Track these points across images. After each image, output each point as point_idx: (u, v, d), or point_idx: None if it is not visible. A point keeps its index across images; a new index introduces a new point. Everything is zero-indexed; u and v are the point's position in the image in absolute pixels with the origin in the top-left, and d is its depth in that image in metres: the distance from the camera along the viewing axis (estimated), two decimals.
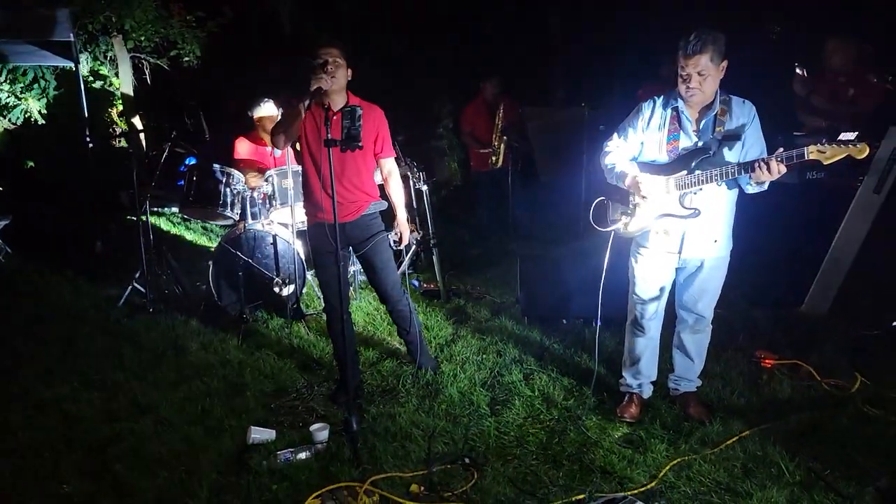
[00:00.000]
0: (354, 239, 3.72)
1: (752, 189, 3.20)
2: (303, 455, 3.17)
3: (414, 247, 5.63)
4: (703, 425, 3.39)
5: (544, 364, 4.17)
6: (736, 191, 3.31)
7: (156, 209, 5.58)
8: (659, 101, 3.30)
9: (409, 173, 5.52)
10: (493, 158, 7.30)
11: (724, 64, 3.09)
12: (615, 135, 3.42)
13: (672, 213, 3.29)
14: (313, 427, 3.34)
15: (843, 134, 4.45)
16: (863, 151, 2.88)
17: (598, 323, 3.77)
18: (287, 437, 3.36)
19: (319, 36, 3.47)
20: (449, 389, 3.82)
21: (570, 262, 4.83)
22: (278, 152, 5.38)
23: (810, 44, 5.30)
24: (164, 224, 8.10)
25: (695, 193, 3.24)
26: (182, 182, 5.46)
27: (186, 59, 8.90)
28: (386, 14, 9.94)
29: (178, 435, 3.36)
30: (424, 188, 5.62)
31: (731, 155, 3.18)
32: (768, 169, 2.97)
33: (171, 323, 4.94)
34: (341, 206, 3.52)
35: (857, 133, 4.34)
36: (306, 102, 3.31)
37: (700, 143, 3.21)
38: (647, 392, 3.67)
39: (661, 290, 3.50)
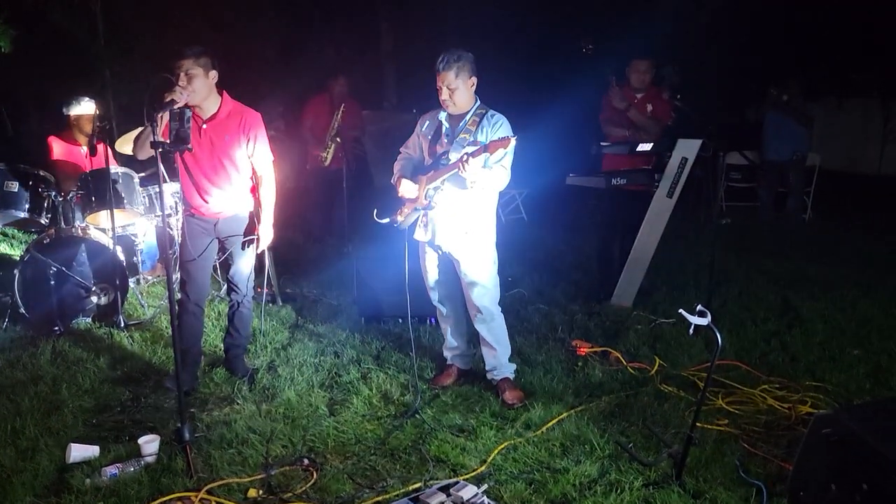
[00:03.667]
0: (223, 233, 3.89)
1: (469, 186, 3.53)
2: (131, 469, 3.02)
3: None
4: (526, 410, 3.67)
5: (381, 362, 4.28)
6: (482, 192, 3.63)
7: None
8: (431, 113, 3.77)
9: None
10: (324, 155, 7.20)
11: (473, 80, 3.57)
12: (408, 140, 3.90)
13: (417, 207, 3.73)
14: (142, 440, 3.19)
15: (640, 145, 5.01)
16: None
17: (410, 317, 3.97)
18: (113, 453, 3.18)
19: (177, 50, 3.53)
20: (287, 392, 3.82)
21: (403, 263, 4.97)
22: (111, 152, 5.03)
23: (617, 62, 5.83)
24: None
25: (439, 190, 3.64)
26: None
27: None
28: (208, 11, 9.54)
29: None
30: None
31: (475, 161, 3.46)
32: (461, 167, 3.38)
33: None
34: (213, 205, 3.81)
35: (651, 143, 4.91)
36: (161, 115, 3.34)
37: (448, 149, 3.63)
38: (463, 364, 4.09)
39: (436, 282, 3.92)
